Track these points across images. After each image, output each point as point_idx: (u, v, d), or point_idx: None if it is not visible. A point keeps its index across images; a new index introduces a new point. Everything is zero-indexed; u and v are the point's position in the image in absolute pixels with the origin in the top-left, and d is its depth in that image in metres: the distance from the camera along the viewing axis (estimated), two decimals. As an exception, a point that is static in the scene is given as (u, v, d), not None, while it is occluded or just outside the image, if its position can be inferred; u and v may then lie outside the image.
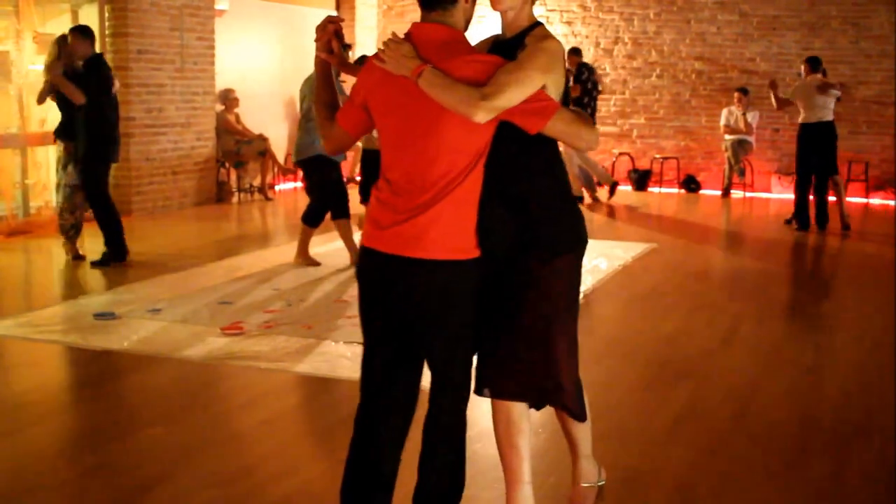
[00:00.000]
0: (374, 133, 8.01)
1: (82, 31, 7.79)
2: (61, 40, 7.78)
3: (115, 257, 7.86)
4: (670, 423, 4.50)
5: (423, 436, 3.09)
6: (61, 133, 7.91)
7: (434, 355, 2.99)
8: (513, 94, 2.77)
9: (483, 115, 2.75)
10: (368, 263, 2.95)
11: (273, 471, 3.89)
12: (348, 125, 3.05)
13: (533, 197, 2.98)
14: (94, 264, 7.75)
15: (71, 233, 7.98)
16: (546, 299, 2.98)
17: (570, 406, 3.09)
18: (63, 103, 7.81)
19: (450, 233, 2.85)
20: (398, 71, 2.83)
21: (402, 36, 2.94)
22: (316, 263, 7.96)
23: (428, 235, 2.83)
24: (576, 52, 12.60)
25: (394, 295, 2.90)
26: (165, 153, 11.10)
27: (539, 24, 3.06)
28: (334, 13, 15.39)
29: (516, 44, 2.96)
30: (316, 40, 3.14)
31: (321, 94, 3.17)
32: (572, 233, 3.06)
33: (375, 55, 2.94)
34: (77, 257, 7.98)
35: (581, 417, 3.17)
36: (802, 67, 10.98)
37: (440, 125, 2.83)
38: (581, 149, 3.18)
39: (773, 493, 3.76)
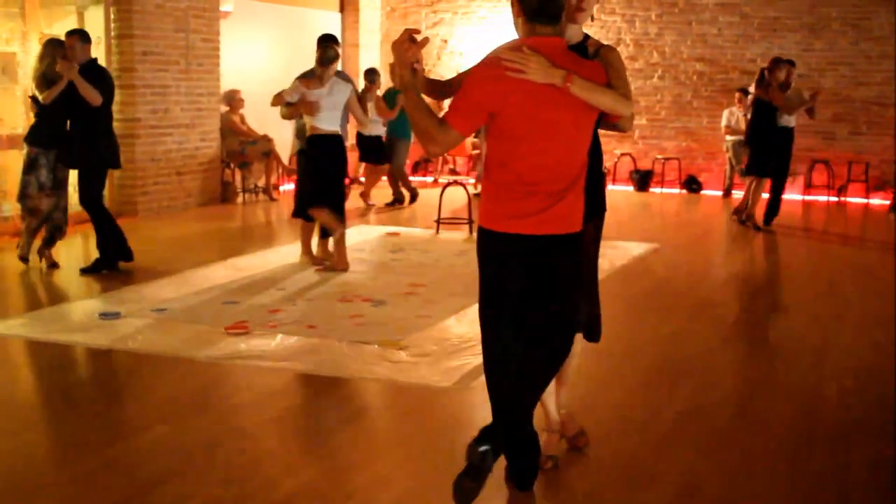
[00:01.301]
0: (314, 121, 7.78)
1: (83, 36, 7.76)
2: (55, 43, 7.70)
3: (106, 264, 7.74)
4: (673, 421, 4.54)
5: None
6: (44, 139, 7.59)
7: (563, 311, 3.45)
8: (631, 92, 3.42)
9: (631, 110, 3.38)
10: (514, 246, 3.33)
11: (277, 470, 3.93)
12: (467, 129, 3.29)
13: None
14: (84, 271, 7.65)
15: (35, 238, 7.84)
16: (594, 250, 3.85)
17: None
18: (55, 107, 7.52)
19: (580, 209, 3.42)
20: (544, 80, 3.17)
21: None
22: (321, 262, 8.01)
23: (571, 215, 3.37)
24: None
25: (541, 267, 3.35)
26: (170, 154, 11.16)
27: (588, 35, 3.66)
28: (338, 15, 15.47)
29: (578, 50, 3.48)
30: (407, 54, 3.29)
31: (421, 104, 3.28)
32: (603, 198, 3.86)
33: (502, 65, 3.18)
34: (51, 264, 7.85)
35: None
36: (790, 71, 10.75)
37: (581, 124, 3.32)
38: (628, 130, 3.74)
39: (775, 489, 3.80)
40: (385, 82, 12.87)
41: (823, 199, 13.67)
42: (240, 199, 12.35)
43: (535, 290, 3.38)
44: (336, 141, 7.70)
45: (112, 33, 10.57)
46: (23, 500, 3.64)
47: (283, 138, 13.32)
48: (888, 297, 7.28)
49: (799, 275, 8.89)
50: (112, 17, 10.55)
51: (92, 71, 7.56)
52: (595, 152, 3.68)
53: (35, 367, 5.53)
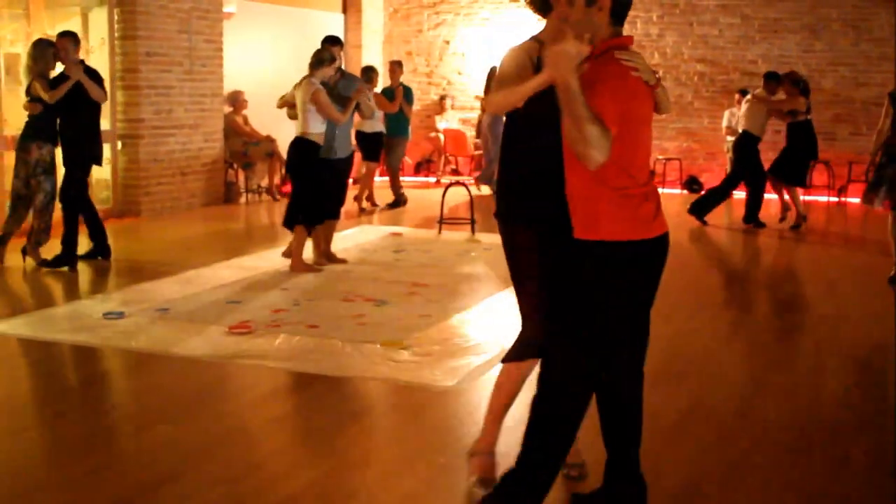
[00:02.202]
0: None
1: (75, 38, 7.84)
2: (45, 43, 7.75)
3: (70, 261, 7.81)
4: (675, 420, 4.56)
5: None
6: (51, 137, 7.69)
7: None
8: None
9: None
10: (651, 250, 3.31)
11: (280, 469, 3.95)
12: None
13: None
14: (45, 264, 7.71)
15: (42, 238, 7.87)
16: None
17: None
18: (56, 106, 7.59)
19: None
20: (648, 77, 3.25)
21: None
22: (319, 267, 8.02)
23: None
24: None
25: (660, 266, 3.41)
26: (174, 154, 11.19)
27: None
28: (341, 16, 15.46)
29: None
30: (577, 56, 3.02)
31: (590, 113, 3.00)
32: None
33: (623, 65, 3.17)
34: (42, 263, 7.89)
35: None
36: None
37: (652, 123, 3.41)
38: None
39: (776, 487, 3.82)
40: (384, 81, 12.86)
41: (824, 199, 13.68)
42: (243, 200, 12.39)
43: (652, 292, 3.48)
44: (295, 143, 7.81)
45: (116, 34, 10.61)
46: (23, 500, 3.65)
47: (286, 139, 13.32)
48: (888, 297, 7.30)
49: (799, 275, 8.91)
50: (116, 18, 10.59)
51: (86, 72, 7.74)
52: None
53: (37, 367, 5.55)
